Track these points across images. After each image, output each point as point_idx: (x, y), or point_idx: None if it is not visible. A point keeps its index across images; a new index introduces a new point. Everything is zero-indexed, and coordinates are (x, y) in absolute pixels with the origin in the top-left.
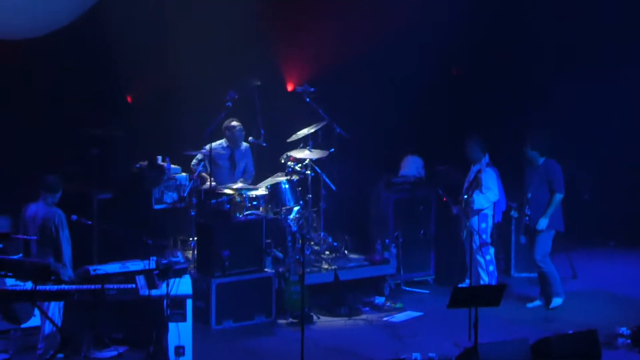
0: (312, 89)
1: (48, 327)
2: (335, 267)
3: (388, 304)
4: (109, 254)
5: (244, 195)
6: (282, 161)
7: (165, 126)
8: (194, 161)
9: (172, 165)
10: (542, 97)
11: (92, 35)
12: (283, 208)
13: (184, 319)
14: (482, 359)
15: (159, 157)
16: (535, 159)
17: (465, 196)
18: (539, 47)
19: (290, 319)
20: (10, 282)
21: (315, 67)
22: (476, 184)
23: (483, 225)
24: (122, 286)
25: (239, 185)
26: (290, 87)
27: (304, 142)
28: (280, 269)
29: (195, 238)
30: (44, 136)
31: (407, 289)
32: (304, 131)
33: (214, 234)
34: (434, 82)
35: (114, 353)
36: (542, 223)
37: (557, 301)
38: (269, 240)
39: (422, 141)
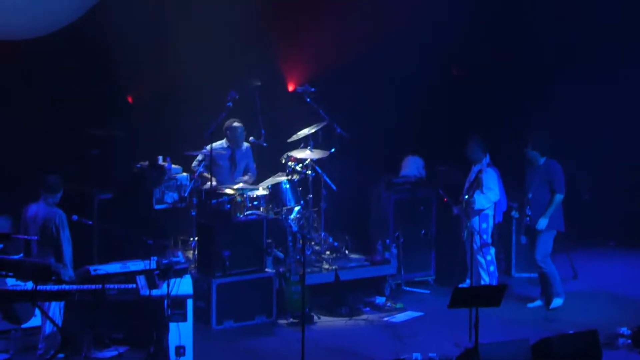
0: (313, 89)
1: (49, 327)
2: (336, 267)
3: (389, 304)
4: (110, 254)
5: (245, 196)
6: (283, 161)
7: (166, 126)
8: (195, 162)
9: (173, 166)
10: (542, 97)
11: (92, 35)
12: (284, 208)
13: (184, 319)
14: (483, 359)
15: (160, 157)
16: (535, 159)
17: (466, 196)
18: (539, 47)
19: (291, 319)
20: (11, 282)
21: (315, 67)
22: (477, 184)
23: (484, 225)
24: (122, 286)
25: (239, 185)
26: (290, 87)
27: (304, 142)
28: (281, 269)
29: (196, 238)
30: (44, 136)
31: (408, 289)
32: (305, 131)
33: (215, 234)
34: (434, 82)
35: (115, 353)
36: (542, 223)
37: (557, 301)
38: (269, 240)
39: (423, 141)
